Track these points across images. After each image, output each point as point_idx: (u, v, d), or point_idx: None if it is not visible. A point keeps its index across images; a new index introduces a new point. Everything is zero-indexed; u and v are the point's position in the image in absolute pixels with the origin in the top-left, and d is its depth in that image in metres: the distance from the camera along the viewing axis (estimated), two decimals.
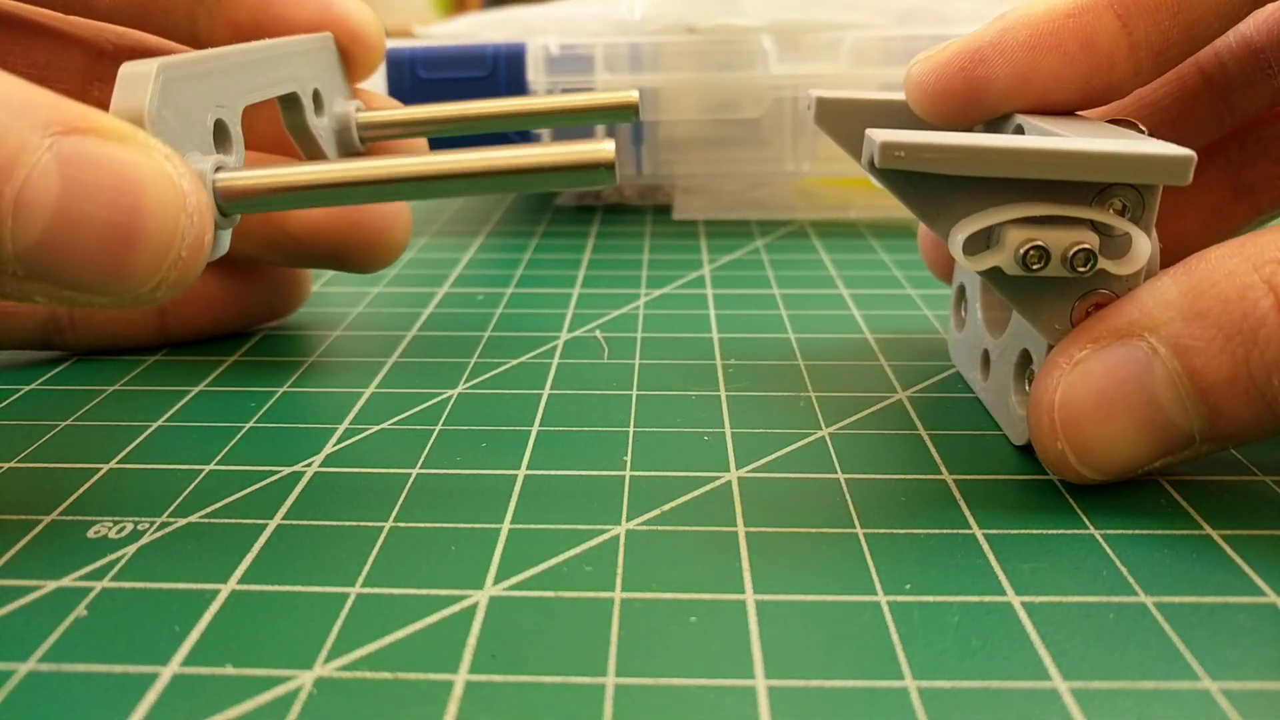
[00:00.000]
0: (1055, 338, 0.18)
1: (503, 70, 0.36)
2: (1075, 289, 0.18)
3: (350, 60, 0.23)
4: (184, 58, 0.17)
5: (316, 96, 0.22)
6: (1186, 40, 0.18)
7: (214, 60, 0.18)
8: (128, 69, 0.16)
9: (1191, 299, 0.16)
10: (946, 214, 0.17)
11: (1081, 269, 0.17)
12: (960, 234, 0.17)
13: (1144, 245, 0.17)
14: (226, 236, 0.17)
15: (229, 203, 0.16)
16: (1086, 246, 0.17)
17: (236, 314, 0.26)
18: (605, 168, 0.16)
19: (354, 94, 0.24)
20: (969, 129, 0.20)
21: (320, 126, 0.22)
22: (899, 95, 0.22)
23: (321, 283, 0.31)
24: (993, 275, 0.17)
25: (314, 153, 0.23)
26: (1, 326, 0.24)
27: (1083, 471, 0.17)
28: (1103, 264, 0.17)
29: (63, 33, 0.23)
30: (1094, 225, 0.17)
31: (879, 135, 0.16)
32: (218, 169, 0.17)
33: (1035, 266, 0.17)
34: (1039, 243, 0.17)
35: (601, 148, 0.16)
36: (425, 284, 0.31)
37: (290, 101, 0.21)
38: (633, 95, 0.23)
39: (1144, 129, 0.19)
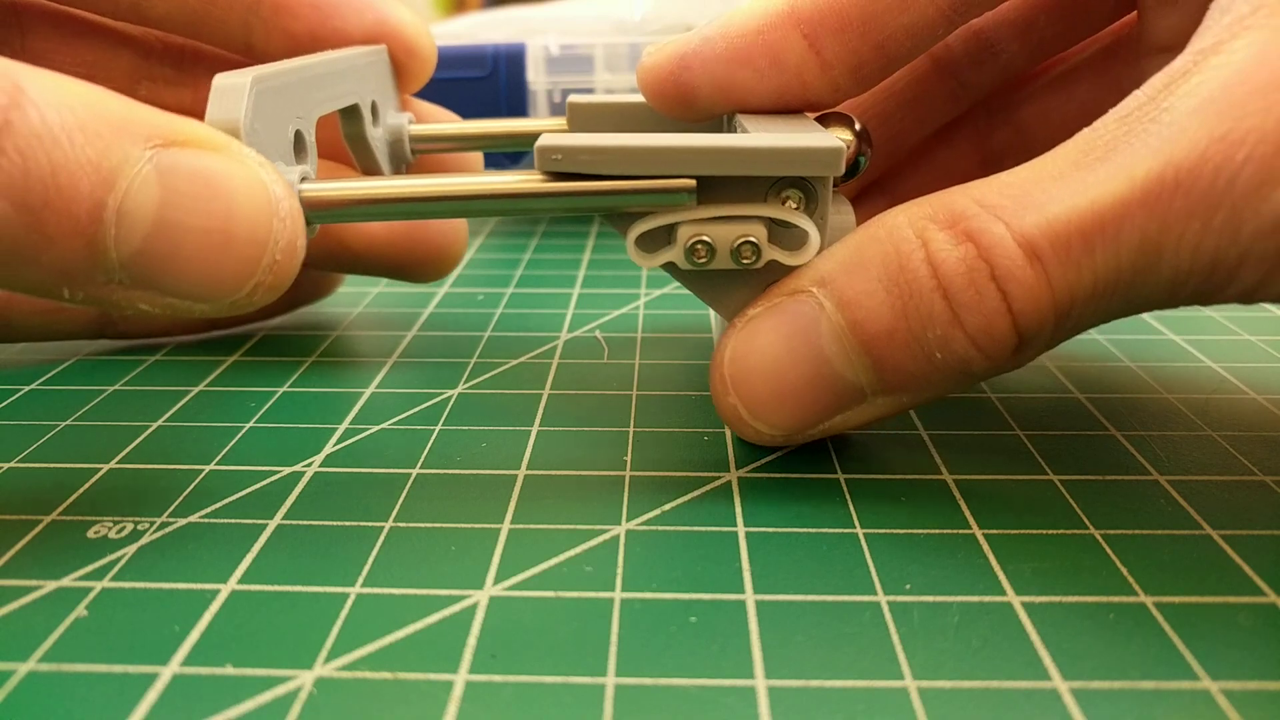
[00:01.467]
0: None
1: (503, 70, 0.36)
2: (760, 281, 0.18)
3: (403, 71, 0.24)
4: (270, 69, 0.17)
5: (374, 108, 0.23)
6: (880, 59, 0.18)
7: (294, 72, 0.18)
8: (222, 80, 0.16)
9: (855, 253, 0.17)
10: (628, 216, 0.18)
11: (747, 261, 0.17)
12: (634, 233, 0.17)
13: (815, 238, 0.17)
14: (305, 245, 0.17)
15: (312, 212, 0.17)
16: (751, 240, 0.17)
17: (281, 302, 0.26)
18: (686, 193, 0.17)
19: (404, 105, 0.25)
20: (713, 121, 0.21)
21: (376, 138, 0.23)
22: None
23: None
24: (674, 271, 0.18)
25: (368, 163, 0.23)
26: (56, 321, 0.24)
27: (759, 428, 0.18)
28: (775, 255, 0.17)
29: (111, 32, 0.23)
30: (770, 220, 0.17)
31: (542, 140, 0.16)
32: (303, 179, 0.17)
33: (701, 260, 0.17)
34: (705, 237, 0.17)
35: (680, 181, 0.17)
36: (425, 284, 0.31)
37: (351, 113, 0.22)
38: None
39: (857, 124, 0.19)
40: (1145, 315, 0.28)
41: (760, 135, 0.17)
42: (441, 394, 0.22)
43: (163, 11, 0.21)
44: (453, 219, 0.24)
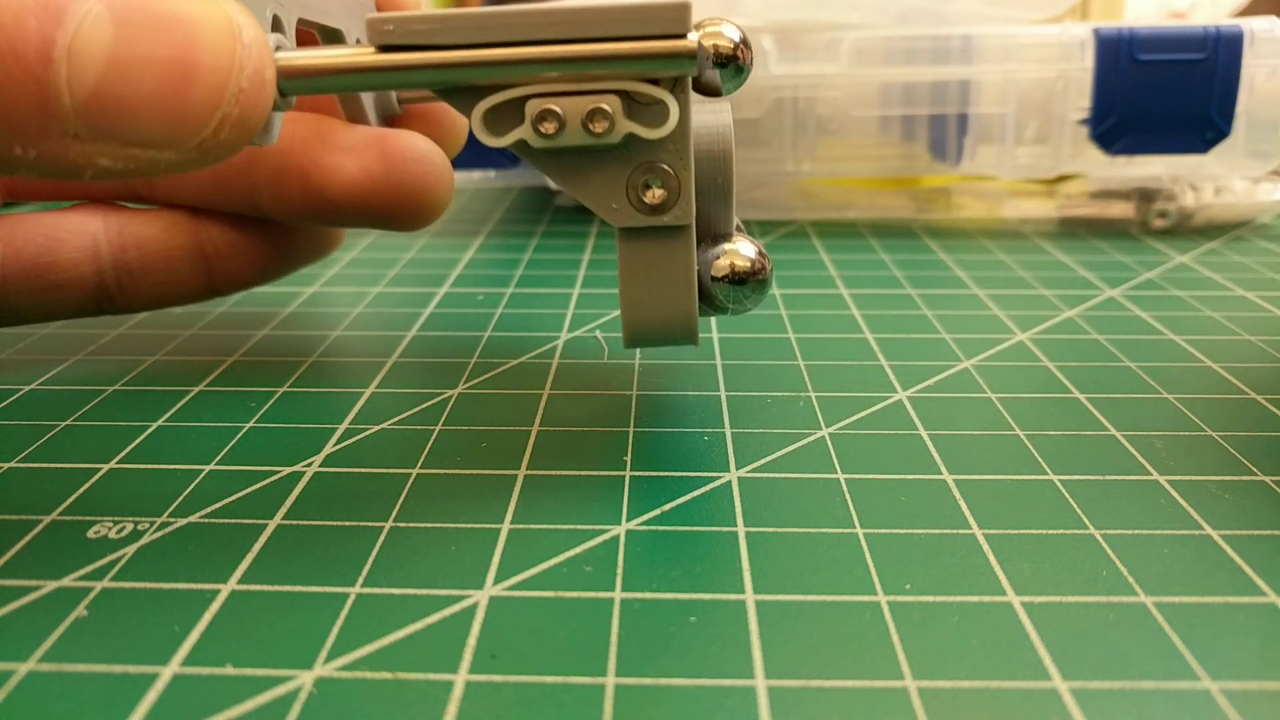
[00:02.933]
0: (616, 218, 0.17)
1: None
2: (624, 165, 0.17)
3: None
4: None
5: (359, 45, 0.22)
6: None
7: None
8: None
9: None
10: (474, 91, 0.16)
11: (599, 132, 0.16)
12: (479, 109, 0.16)
13: (675, 109, 0.16)
14: (278, 121, 0.17)
15: (288, 81, 0.16)
16: (603, 107, 0.16)
17: (281, 260, 0.26)
18: (688, 57, 0.16)
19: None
20: None
21: None
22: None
23: (321, 283, 0.31)
24: (529, 154, 0.17)
25: (355, 113, 0.23)
26: (54, 299, 0.24)
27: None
28: (630, 128, 0.16)
29: None
30: (627, 94, 0.16)
31: (371, 15, 0.16)
32: (277, 48, 0.16)
33: (550, 134, 0.16)
34: (552, 108, 0.16)
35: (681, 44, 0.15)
36: (425, 284, 0.31)
37: (333, 38, 0.21)
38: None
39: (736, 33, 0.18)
40: (1145, 315, 0.28)
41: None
42: (441, 394, 0.22)
43: None
44: (433, 163, 0.23)
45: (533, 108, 0.16)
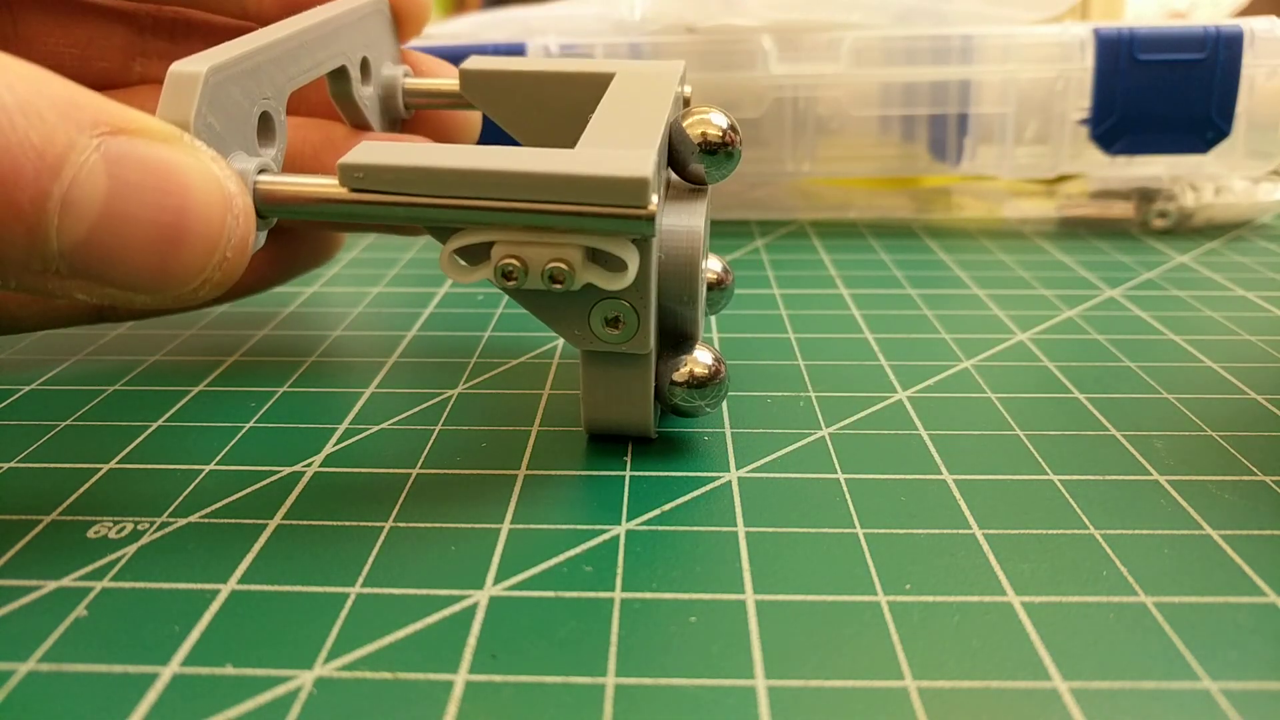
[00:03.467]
0: (579, 343, 0.18)
1: None
2: (588, 300, 0.17)
3: (401, 19, 0.24)
4: (233, 55, 0.16)
5: (365, 65, 0.22)
6: None
7: (264, 51, 0.18)
8: (177, 69, 0.16)
9: None
10: (446, 232, 0.17)
11: (559, 284, 0.16)
12: (449, 247, 0.17)
13: (634, 263, 0.17)
14: (263, 236, 0.17)
15: (266, 206, 0.16)
16: (562, 265, 0.16)
17: (280, 267, 0.26)
18: (646, 221, 0.16)
19: (403, 56, 0.24)
20: None
21: (366, 95, 0.22)
22: (552, 65, 0.22)
23: (321, 283, 0.31)
24: (503, 287, 0.17)
25: (358, 120, 0.23)
26: (52, 307, 0.24)
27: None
28: (592, 277, 0.17)
29: (103, 9, 0.23)
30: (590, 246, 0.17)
31: (348, 156, 0.16)
32: (260, 171, 0.17)
33: (513, 282, 0.17)
34: (518, 258, 0.16)
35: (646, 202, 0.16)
36: (425, 284, 0.31)
37: (338, 72, 0.21)
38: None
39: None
40: (1145, 315, 0.28)
41: (574, 155, 0.16)
42: (441, 394, 0.22)
43: None
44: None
45: (498, 254, 0.17)
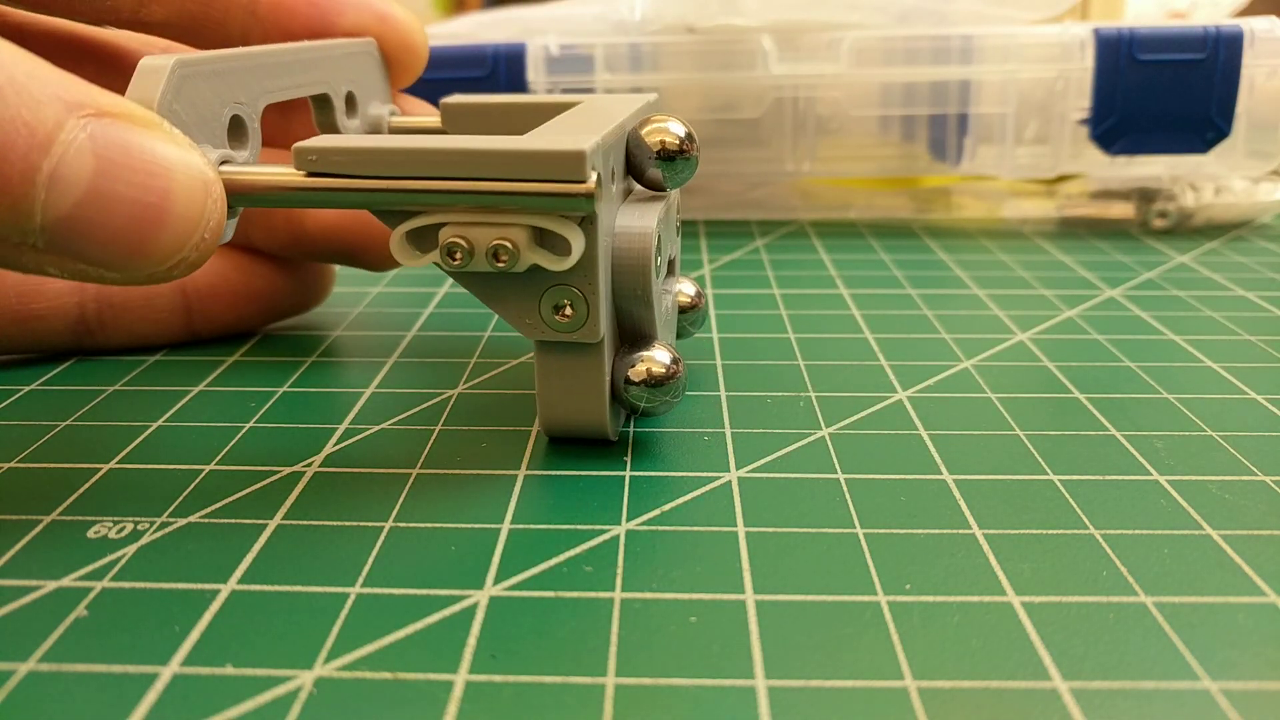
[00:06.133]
0: (529, 332, 0.18)
1: (502, 70, 0.36)
2: (537, 286, 0.18)
3: (396, 66, 0.24)
4: (203, 55, 0.17)
5: (350, 99, 0.23)
6: None
7: (236, 60, 0.18)
8: (147, 62, 0.16)
9: None
10: (398, 217, 0.17)
11: (503, 264, 0.17)
12: (399, 231, 0.17)
13: (579, 243, 0.17)
14: (232, 226, 0.18)
15: (229, 195, 0.17)
16: (506, 244, 0.17)
17: (261, 309, 0.26)
18: (585, 198, 0.16)
19: (395, 99, 0.25)
20: None
21: (350, 127, 0.23)
22: (526, 98, 0.23)
23: None
24: (452, 272, 0.17)
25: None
26: (32, 330, 0.24)
27: None
28: (535, 259, 0.17)
29: (108, 55, 0.23)
30: (534, 226, 0.17)
31: (305, 141, 0.17)
32: (223, 162, 0.17)
33: (458, 263, 0.17)
34: (463, 239, 0.17)
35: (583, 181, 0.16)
36: (425, 284, 0.31)
37: (322, 101, 0.22)
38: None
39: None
40: (1145, 315, 0.28)
41: (519, 138, 0.17)
42: (441, 394, 0.22)
43: (161, 17, 0.21)
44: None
45: (444, 236, 0.17)
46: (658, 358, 0.19)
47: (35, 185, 0.14)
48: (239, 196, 0.17)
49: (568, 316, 0.18)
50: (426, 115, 0.25)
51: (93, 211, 0.14)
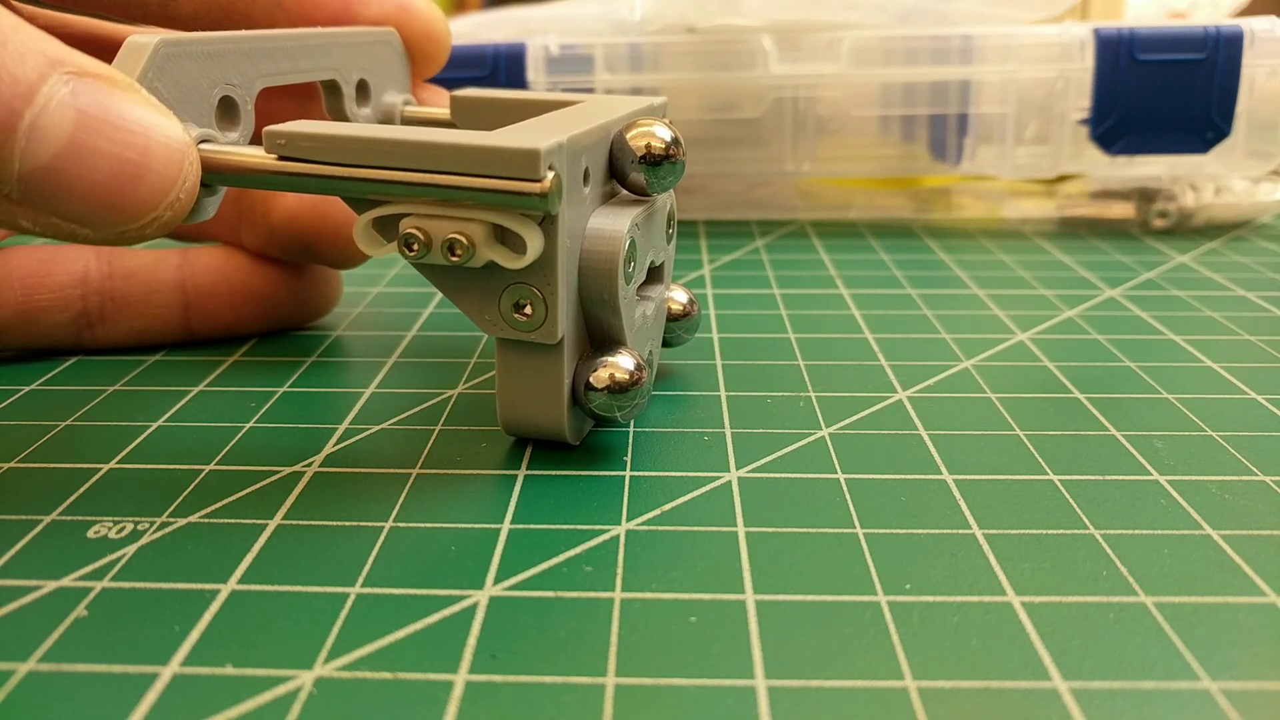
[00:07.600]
0: (488, 329, 0.18)
1: (503, 70, 0.36)
2: (497, 282, 0.18)
3: (418, 55, 0.24)
4: (193, 36, 0.18)
5: (363, 86, 0.23)
6: None
7: (229, 42, 0.18)
8: (133, 40, 0.17)
9: None
10: (363, 205, 0.17)
11: (458, 258, 0.17)
12: (363, 219, 0.17)
13: (537, 243, 0.17)
14: (214, 204, 0.18)
15: (206, 173, 0.17)
16: (460, 238, 0.17)
17: (260, 312, 0.26)
18: (538, 197, 0.16)
19: (416, 89, 0.25)
20: None
21: (360, 115, 0.23)
22: (535, 95, 0.23)
23: None
24: (413, 263, 0.17)
25: None
26: (34, 325, 0.24)
27: None
28: (492, 255, 0.17)
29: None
30: (495, 224, 0.17)
31: (276, 125, 0.17)
32: (203, 141, 0.17)
33: (414, 254, 0.17)
34: (421, 230, 0.17)
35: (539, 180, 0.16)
36: (425, 284, 0.31)
37: (332, 88, 0.22)
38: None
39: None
40: (1145, 315, 0.28)
41: (484, 134, 0.17)
42: (441, 394, 0.22)
43: (189, 10, 0.22)
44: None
45: (404, 227, 0.17)
46: (621, 364, 0.19)
47: (16, 134, 0.14)
48: (211, 175, 0.17)
49: (527, 316, 0.18)
50: (444, 107, 0.25)
51: (71, 164, 0.15)
